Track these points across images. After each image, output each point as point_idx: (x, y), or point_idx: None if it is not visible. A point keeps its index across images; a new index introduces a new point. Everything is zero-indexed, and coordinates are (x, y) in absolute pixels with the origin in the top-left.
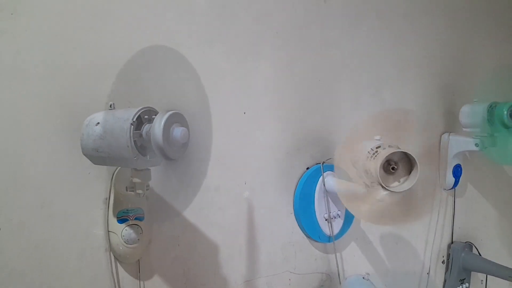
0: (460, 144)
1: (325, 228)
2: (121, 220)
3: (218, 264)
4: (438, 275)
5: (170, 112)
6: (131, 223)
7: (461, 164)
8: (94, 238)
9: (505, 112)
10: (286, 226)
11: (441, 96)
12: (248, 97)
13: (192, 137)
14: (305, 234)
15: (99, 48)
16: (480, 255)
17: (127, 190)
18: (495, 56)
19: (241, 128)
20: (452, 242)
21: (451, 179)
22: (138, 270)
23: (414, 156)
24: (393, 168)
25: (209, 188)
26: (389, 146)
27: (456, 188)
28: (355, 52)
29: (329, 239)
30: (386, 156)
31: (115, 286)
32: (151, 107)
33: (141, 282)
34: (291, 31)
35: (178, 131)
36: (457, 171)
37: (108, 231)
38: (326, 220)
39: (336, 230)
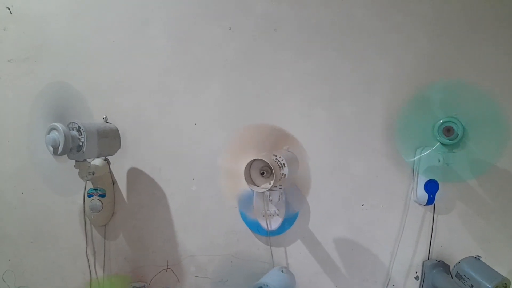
0: (429, 158)
1: (264, 223)
2: (89, 195)
3: (167, 237)
4: None
5: (51, 124)
6: (94, 198)
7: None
8: (77, 206)
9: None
10: (229, 217)
11: (420, 109)
12: (199, 112)
13: (147, 142)
14: (247, 226)
15: (94, 80)
16: (452, 277)
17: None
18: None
19: (192, 135)
20: (428, 259)
21: (423, 194)
22: (104, 232)
23: (272, 166)
24: (262, 173)
25: (161, 179)
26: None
27: (435, 204)
28: (308, 71)
29: (267, 233)
30: (262, 163)
31: (88, 240)
32: (76, 122)
33: (107, 241)
34: (240, 57)
35: (47, 136)
36: (431, 187)
37: (84, 202)
38: (263, 216)
39: (275, 226)
